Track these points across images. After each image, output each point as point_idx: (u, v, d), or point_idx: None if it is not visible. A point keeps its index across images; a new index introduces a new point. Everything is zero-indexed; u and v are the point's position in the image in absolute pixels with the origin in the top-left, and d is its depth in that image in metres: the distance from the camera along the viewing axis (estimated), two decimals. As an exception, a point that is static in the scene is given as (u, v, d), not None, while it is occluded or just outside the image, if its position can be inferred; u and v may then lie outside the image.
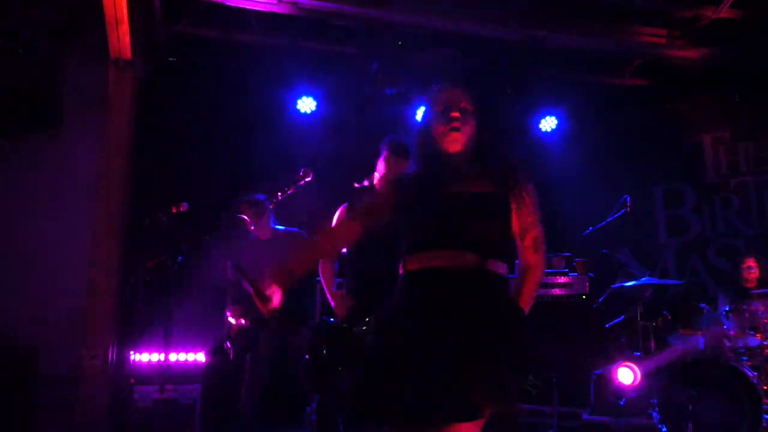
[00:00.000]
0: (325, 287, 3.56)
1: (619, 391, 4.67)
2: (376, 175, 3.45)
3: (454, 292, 1.91)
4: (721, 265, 6.06)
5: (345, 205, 3.50)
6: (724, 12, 5.19)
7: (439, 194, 2.04)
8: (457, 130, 2.07)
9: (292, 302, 4.37)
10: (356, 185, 3.50)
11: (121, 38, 4.52)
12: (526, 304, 2.10)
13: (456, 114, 2.08)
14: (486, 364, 1.83)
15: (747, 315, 4.50)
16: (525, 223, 2.09)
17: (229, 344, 4.42)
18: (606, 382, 4.83)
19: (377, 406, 1.89)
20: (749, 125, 6.19)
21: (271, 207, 4.33)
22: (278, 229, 4.50)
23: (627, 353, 4.89)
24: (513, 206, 2.07)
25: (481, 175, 2.08)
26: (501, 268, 2.01)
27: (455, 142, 2.09)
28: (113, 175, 4.71)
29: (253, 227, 4.21)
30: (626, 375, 4.64)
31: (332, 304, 3.41)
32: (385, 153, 3.41)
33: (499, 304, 1.98)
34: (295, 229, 4.51)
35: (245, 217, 4.04)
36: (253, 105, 5.69)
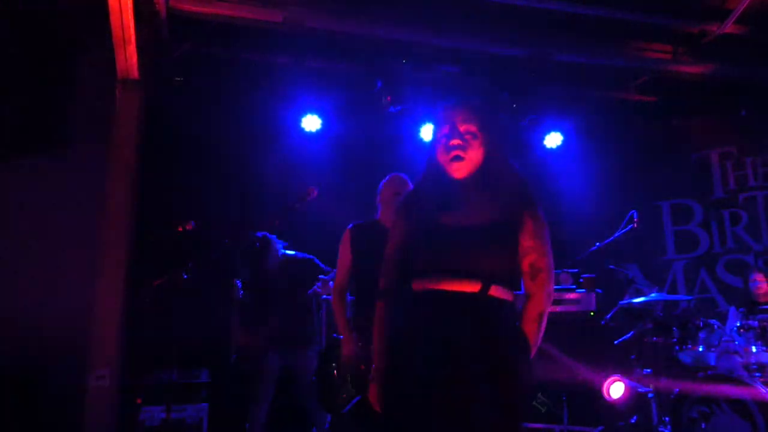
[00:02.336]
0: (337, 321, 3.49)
1: (627, 410, 4.62)
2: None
3: (455, 317, 1.93)
4: (730, 280, 6.01)
5: (350, 226, 3.47)
6: (730, 28, 5.20)
7: (441, 223, 2.03)
8: (459, 159, 2.05)
9: (297, 322, 4.40)
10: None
11: (129, 58, 4.55)
12: (530, 335, 2.03)
13: (457, 142, 2.05)
14: (478, 406, 1.84)
15: (758, 330, 4.46)
16: (523, 248, 2.04)
17: (236, 362, 4.41)
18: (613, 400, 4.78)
19: None
20: (756, 140, 6.17)
21: (272, 236, 4.38)
22: (288, 254, 4.51)
23: (636, 370, 4.83)
24: (518, 231, 2.04)
25: (486, 202, 2.04)
26: (505, 294, 2.00)
27: (459, 170, 2.08)
28: (119, 195, 4.72)
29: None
30: (617, 389, 4.61)
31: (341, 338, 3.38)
32: (381, 195, 3.46)
33: (499, 331, 1.96)
34: (305, 255, 4.52)
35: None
36: (260, 123, 5.72)
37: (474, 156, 2.07)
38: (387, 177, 3.54)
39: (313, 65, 5.50)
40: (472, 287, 1.94)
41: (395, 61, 5.50)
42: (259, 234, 4.39)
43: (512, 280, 2.03)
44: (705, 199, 6.32)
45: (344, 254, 3.43)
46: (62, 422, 4.35)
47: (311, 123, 5.59)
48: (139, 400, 4.36)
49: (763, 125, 6.09)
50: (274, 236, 4.48)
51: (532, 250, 2.04)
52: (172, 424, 4.48)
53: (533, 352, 2.01)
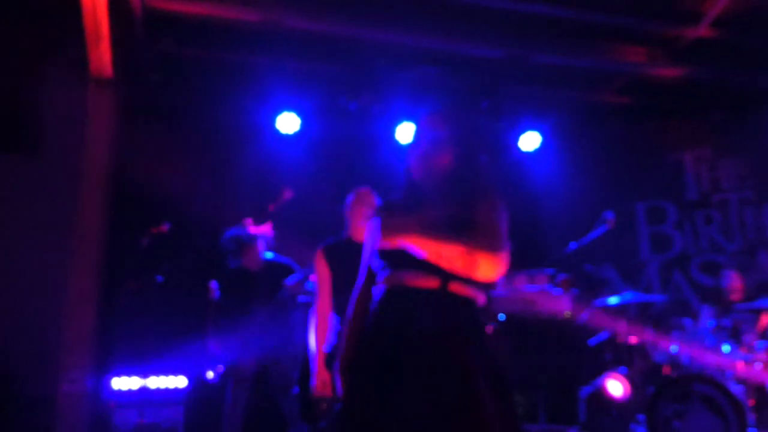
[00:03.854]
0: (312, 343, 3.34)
1: (610, 404, 4.67)
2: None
3: (414, 311, 1.98)
4: (704, 280, 6.09)
5: (321, 247, 3.37)
6: (704, 31, 5.27)
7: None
8: (427, 162, 2.13)
9: (275, 325, 4.36)
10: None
11: (102, 56, 4.47)
12: (439, 234, 1.97)
13: (426, 148, 2.14)
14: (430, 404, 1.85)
15: (730, 329, 4.53)
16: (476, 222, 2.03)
17: (210, 369, 4.36)
18: (597, 396, 4.82)
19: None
20: (730, 143, 6.26)
21: (257, 236, 4.33)
22: (268, 259, 4.47)
23: (611, 369, 4.88)
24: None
25: (445, 201, 2.10)
26: (469, 290, 2.03)
27: (428, 173, 2.15)
28: (92, 195, 4.64)
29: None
30: (616, 387, 4.65)
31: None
32: (350, 210, 3.40)
33: (457, 326, 1.98)
34: (286, 259, 4.48)
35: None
36: (237, 123, 5.67)
37: (442, 160, 2.14)
38: (354, 192, 3.44)
39: (290, 65, 5.46)
40: (431, 283, 2.00)
41: (373, 61, 5.49)
42: (242, 231, 4.33)
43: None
44: (679, 201, 6.40)
45: (323, 274, 3.29)
46: (33, 428, 4.28)
47: (288, 123, 5.55)
48: (112, 404, 4.30)
49: (736, 127, 6.17)
50: (261, 236, 4.42)
51: (484, 215, 2.04)
52: (146, 429, 4.43)
53: (440, 250, 1.97)
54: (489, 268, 1.97)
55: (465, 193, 2.10)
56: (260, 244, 4.44)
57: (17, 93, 4.62)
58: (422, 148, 2.14)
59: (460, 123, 2.20)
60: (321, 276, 3.31)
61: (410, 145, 2.20)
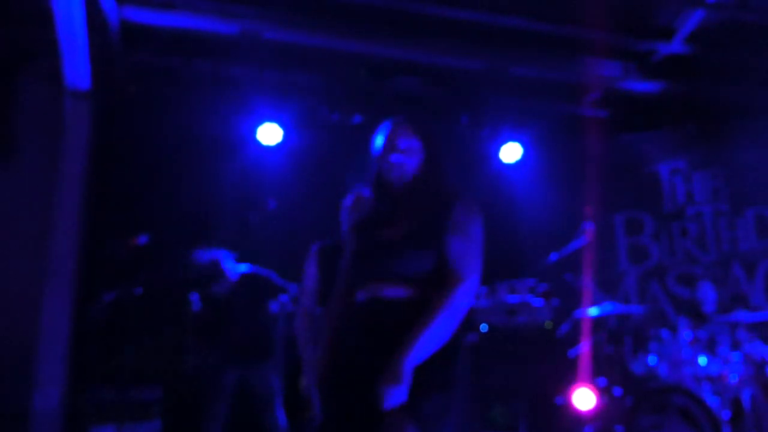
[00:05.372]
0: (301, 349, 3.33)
1: (582, 419, 4.69)
2: None
3: (389, 322, 2.00)
4: (680, 291, 6.17)
5: (315, 248, 3.36)
6: (677, 47, 5.37)
7: (375, 233, 2.13)
8: (398, 169, 2.14)
9: (256, 338, 4.33)
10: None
11: (79, 67, 4.43)
12: (419, 333, 1.92)
13: (396, 155, 2.14)
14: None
15: (705, 341, 4.58)
16: (450, 247, 2.05)
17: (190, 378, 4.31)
18: (565, 408, 4.85)
19: None
20: (704, 156, 6.37)
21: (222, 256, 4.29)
22: (244, 272, 4.41)
23: (590, 380, 4.91)
24: (444, 233, 2.06)
25: (416, 210, 2.12)
26: None
27: (398, 180, 2.15)
28: (68, 206, 4.58)
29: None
30: (585, 399, 4.67)
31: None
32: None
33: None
34: (262, 270, 4.44)
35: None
36: (216, 134, 5.63)
37: (411, 169, 2.15)
38: (350, 194, 3.47)
39: (271, 76, 5.45)
40: (405, 293, 2.02)
41: (353, 72, 5.51)
42: (207, 257, 4.26)
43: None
44: (656, 212, 6.49)
45: (311, 275, 3.30)
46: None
47: (270, 134, 5.53)
48: (87, 419, 4.22)
49: (710, 140, 6.28)
50: (224, 254, 4.36)
51: (456, 244, 2.05)
52: (122, 444, 4.35)
53: (436, 344, 1.95)
54: (465, 299, 2.01)
55: (435, 196, 2.13)
56: (225, 263, 4.37)
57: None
58: (392, 158, 2.15)
59: (427, 129, 2.21)
60: (309, 276, 3.30)
61: (379, 152, 2.20)
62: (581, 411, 4.68)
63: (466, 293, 2.00)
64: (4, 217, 4.73)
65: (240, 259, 4.47)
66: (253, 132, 5.49)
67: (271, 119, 5.48)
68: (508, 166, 6.20)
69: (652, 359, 4.63)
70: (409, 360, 1.88)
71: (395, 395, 1.85)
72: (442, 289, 2.00)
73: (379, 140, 2.22)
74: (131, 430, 4.43)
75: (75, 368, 4.50)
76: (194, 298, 4.46)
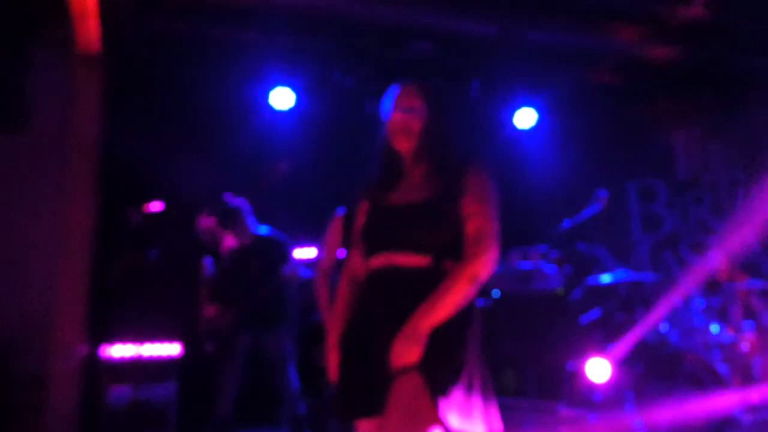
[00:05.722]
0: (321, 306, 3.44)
1: (592, 385, 4.72)
2: None
3: (406, 291, 1.98)
4: (693, 260, 6.15)
5: (341, 214, 3.38)
6: (696, 11, 5.25)
7: (388, 201, 2.13)
8: (401, 129, 2.12)
9: (269, 302, 4.36)
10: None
11: (90, 32, 4.40)
12: (439, 299, 1.92)
13: (401, 116, 2.12)
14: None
15: (718, 309, 4.59)
16: (467, 213, 2.04)
17: (205, 342, 4.36)
18: (578, 376, 4.87)
19: (336, 405, 2.07)
20: (720, 124, 6.28)
21: (246, 209, 4.30)
22: (260, 234, 4.42)
23: (602, 347, 4.93)
24: (460, 198, 2.05)
25: (427, 175, 2.11)
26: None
27: (403, 146, 2.14)
28: (81, 173, 4.59)
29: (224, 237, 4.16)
30: (599, 368, 4.69)
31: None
32: None
33: None
34: (279, 234, 4.45)
35: (208, 228, 3.97)
36: (228, 98, 5.61)
37: (416, 130, 2.13)
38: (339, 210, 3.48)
39: (283, 41, 5.40)
40: (422, 261, 2.00)
41: (366, 37, 5.44)
42: (234, 202, 4.29)
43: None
44: (670, 181, 6.44)
45: (333, 239, 3.34)
46: (24, 407, 4.27)
47: (282, 99, 5.51)
48: (105, 381, 4.29)
49: (726, 109, 6.19)
50: (248, 208, 4.38)
51: (476, 214, 2.04)
52: (140, 404, 4.44)
53: (454, 311, 1.95)
54: (487, 271, 2.00)
55: (444, 159, 2.10)
56: (248, 218, 4.40)
57: (3, 70, 4.53)
58: (397, 118, 2.13)
59: (431, 90, 2.19)
60: (332, 243, 3.35)
61: (385, 116, 2.18)
62: (591, 379, 4.71)
63: (486, 264, 2.00)
64: (20, 184, 4.75)
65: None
66: (266, 97, 5.48)
67: (283, 84, 5.46)
68: (521, 132, 6.15)
69: (664, 326, 4.64)
70: (425, 323, 1.89)
71: (408, 354, 1.86)
72: (465, 260, 2.00)
73: (386, 104, 2.21)
74: (148, 390, 4.52)
75: (94, 330, 4.57)
76: (208, 263, 4.49)
